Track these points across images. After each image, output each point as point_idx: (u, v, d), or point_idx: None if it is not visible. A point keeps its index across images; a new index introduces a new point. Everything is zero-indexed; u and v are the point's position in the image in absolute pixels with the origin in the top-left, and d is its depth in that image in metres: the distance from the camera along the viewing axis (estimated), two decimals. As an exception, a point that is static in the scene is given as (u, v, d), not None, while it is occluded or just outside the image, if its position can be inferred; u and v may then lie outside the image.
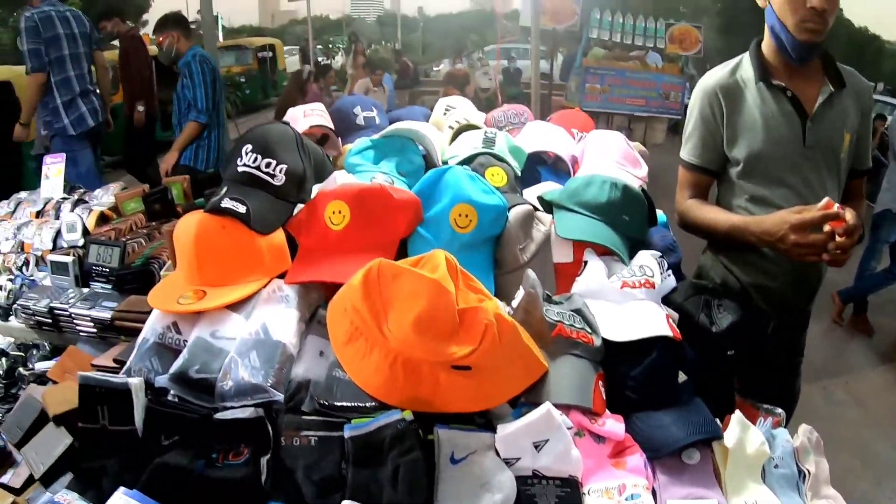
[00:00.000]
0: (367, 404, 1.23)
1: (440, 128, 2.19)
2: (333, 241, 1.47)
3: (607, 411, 1.29)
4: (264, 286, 1.43)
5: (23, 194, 2.45)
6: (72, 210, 2.08)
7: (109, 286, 1.85)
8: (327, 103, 2.31)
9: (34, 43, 3.80)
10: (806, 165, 1.89)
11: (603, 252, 1.57)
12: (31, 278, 1.97)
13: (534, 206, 1.66)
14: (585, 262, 1.55)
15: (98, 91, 4.34)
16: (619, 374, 1.35)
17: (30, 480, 1.38)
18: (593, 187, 1.64)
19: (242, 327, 1.36)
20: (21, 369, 1.78)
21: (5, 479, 1.43)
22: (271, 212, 1.49)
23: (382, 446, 1.16)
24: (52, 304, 1.76)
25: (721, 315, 1.53)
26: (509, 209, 1.59)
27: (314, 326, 1.40)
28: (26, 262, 1.99)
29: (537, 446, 1.18)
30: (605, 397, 1.31)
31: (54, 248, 2.01)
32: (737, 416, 1.31)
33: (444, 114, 2.24)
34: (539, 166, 1.99)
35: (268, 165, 1.51)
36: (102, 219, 2.12)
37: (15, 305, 1.85)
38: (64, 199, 2.24)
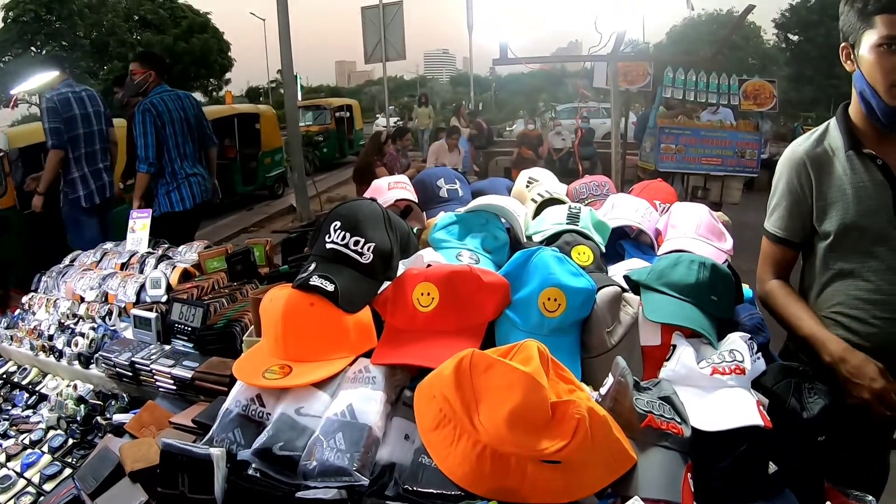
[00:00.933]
0: (453, 492, 1.22)
1: (523, 200, 2.21)
2: (421, 323, 1.49)
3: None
4: (350, 364, 1.46)
5: (108, 245, 2.58)
6: (156, 265, 2.17)
7: (191, 345, 1.92)
8: (404, 164, 2.39)
9: (54, 122, 4.13)
10: None
11: (691, 334, 1.54)
12: (114, 328, 2.06)
13: (621, 287, 1.64)
14: (674, 346, 1.52)
15: (109, 166, 4.63)
16: (707, 464, 1.32)
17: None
18: (681, 267, 1.61)
19: (328, 406, 1.39)
20: (99, 418, 1.86)
21: None
22: (358, 290, 1.53)
23: None
24: (133, 358, 1.83)
25: (812, 399, 1.47)
26: (597, 291, 1.58)
27: (400, 408, 1.40)
28: (109, 313, 2.09)
29: None
30: (693, 489, 1.26)
31: (137, 302, 2.10)
32: None
33: (527, 186, 2.27)
34: (622, 240, 1.98)
35: (356, 244, 1.55)
36: (185, 275, 2.20)
37: (97, 355, 1.96)
38: (149, 253, 2.35)
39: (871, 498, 1.45)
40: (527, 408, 1.15)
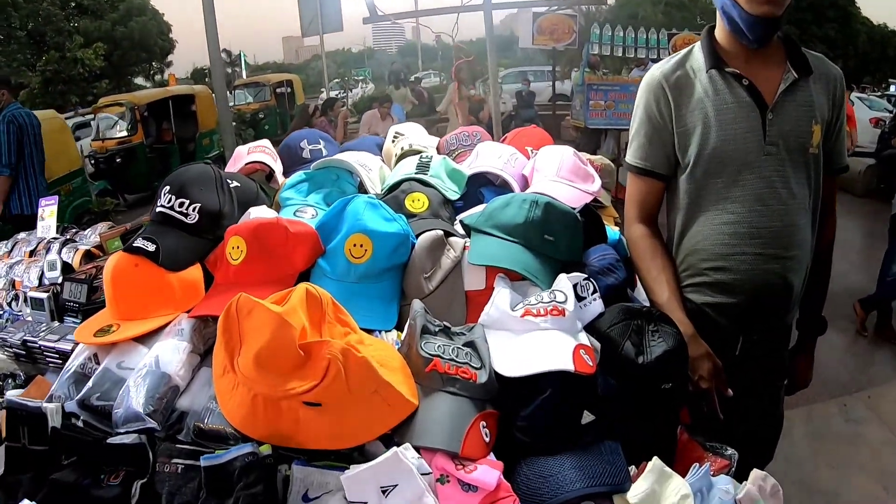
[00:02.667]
0: (229, 431, 1.29)
1: (389, 155, 2.26)
2: (233, 276, 1.54)
3: (491, 456, 1.24)
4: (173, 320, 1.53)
5: (21, 235, 2.66)
6: (60, 249, 2.31)
7: (79, 320, 1.99)
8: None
9: None
10: (768, 164, 1.70)
11: (521, 278, 1.53)
12: (18, 313, 2.28)
13: (449, 232, 1.65)
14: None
15: None
16: (510, 412, 1.31)
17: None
18: (512, 207, 1.60)
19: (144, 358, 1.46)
20: (11, 396, 2.09)
21: None
22: (183, 249, 1.60)
23: (232, 478, 1.19)
24: (25, 337, 2.01)
25: (654, 343, 1.41)
26: (417, 236, 1.60)
27: (209, 359, 1.45)
28: (16, 298, 2.31)
29: (385, 491, 1.16)
30: (488, 440, 1.26)
31: (40, 286, 2.31)
32: (652, 464, 1.21)
33: (393, 141, 2.30)
34: (485, 188, 2.00)
35: (181, 205, 1.62)
36: (89, 256, 2.29)
37: None
38: (55, 238, 2.44)
39: (731, 451, 1.41)
40: (274, 347, 1.18)
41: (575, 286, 1.47)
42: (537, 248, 1.58)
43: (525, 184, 2.01)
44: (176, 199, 1.64)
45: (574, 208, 1.72)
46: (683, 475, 1.24)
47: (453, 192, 1.90)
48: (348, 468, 1.21)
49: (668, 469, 1.22)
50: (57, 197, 2.61)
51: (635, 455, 1.30)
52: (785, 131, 1.70)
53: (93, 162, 10.34)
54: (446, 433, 1.23)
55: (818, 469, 3.17)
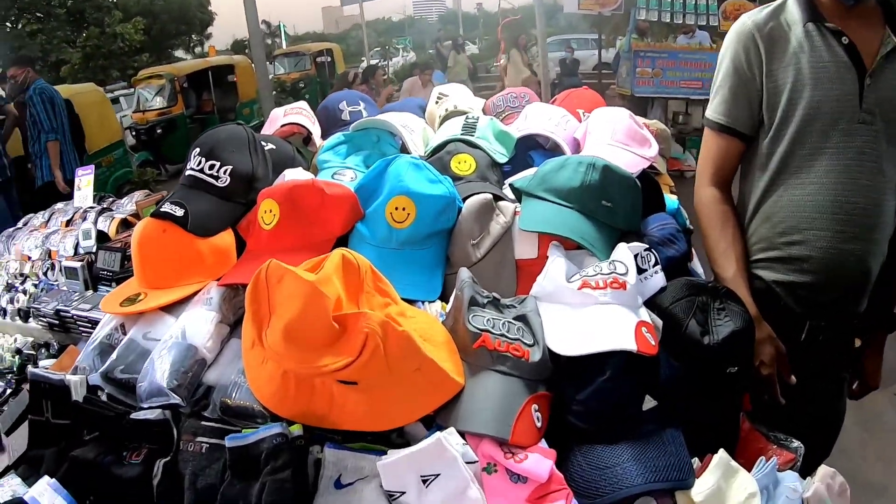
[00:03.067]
0: (257, 409, 1.19)
1: (433, 117, 2.13)
2: (265, 242, 1.44)
3: (542, 443, 1.12)
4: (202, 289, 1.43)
5: (59, 205, 2.63)
6: (95, 219, 2.25)
7: (112, 289, 1.96)
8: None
9: None
10: (860, 134, 1.54)
11: (576, 247, 1.41)
12: (54, 283, 2.24)
13: (499, 196, 1.53)
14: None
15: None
16: (566, 395, 1.19)
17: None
18: (567, 170, 1.46)
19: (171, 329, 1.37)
20: (30, 367, 1.99)
21: None
22: (214, 214, 1.51)
23: (259, 461, 1.10)
24: (58, 307, 1.95)
25: (720, 322, 1.28)
26: (464, 199, 1.47)
27: (239, 331, 1.36)
28: (52, 268, 2.27)
29: (425, 481, 1.05)
30: (540, 425, 1.14)
31: (75, 255, 2.26)
32: (719, 457, 1.09)
33: (437, 102, 2.17)
34: (535, 151, 1.86)
35: (212, 168, 1.52)
36: (125, 225, 2.23)
37: (30, 307, 2.13)
38: (91, 207, 2.41)
39: (797, 444, 1.28)
40: (305, 319, 1.07)
41: (635, 257, 1.34)
42: (594, 215, 1.44)
43: (577, 147, 1.87)
44: (206, 162, 1.54)
45: (632, 174, 1.57)
46: (746, 468, 1.14)
47: (501, 155, 1.76)
48: (386, 453, 1.10)
49: (734, 463, 1.11)
50: (93, 167, 2.56)
51: (696, 445, 1.18)
52: (883, 99, 1.54)
53: (133, 134, 10.51)
54: (495, 417, 1.11)
55: (867, 461, 3.05)
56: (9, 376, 2.04)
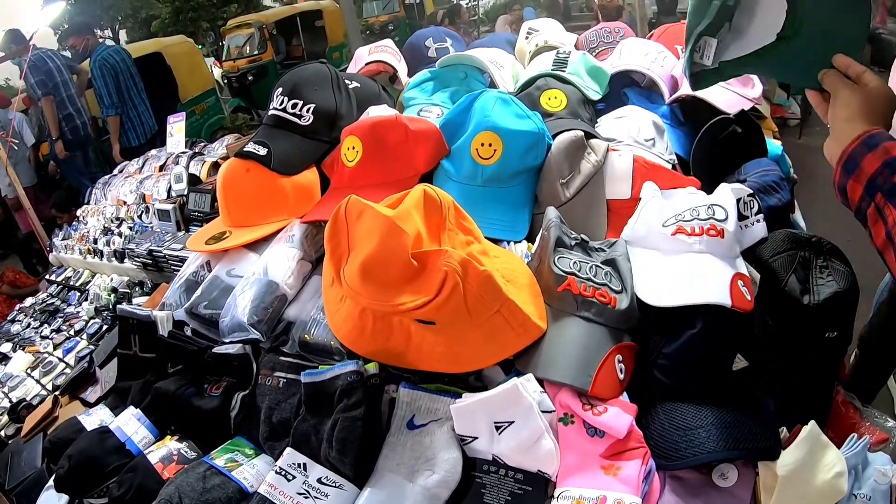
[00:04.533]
0: (335, 345, 1.19)
1: (523, 53, 2.04)
2: (348, 179, 1.42)
3: (624, 396, 1.06)
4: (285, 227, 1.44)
5: (153, 151, 2.77)
6: (187, 163, 2.30)
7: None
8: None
9: (40, 75, 4.87)
10: None
11: (673, 186, 1.32)
12: (148, 225, 2.32)
13: (590, 134, 1.44)
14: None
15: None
16: (652, 347, 1.11)
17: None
18: None
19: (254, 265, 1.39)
20: (125, 304, 2.15)
21: (85, 394, 1.68)
22: (297, 153, 1.51)
23: (333, 397, 1.09)
24: (150, 247, 1.97)
25: (823, 281, 1.16)
26: (554, 136, 1.40)
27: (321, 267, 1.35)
28: (146, 211, 2.36)
29: (498, 427, 1.02)
30: (623, 377, 1.07)
31: (168, 198, 2.34)
32: (808, 430, 0.99)
33: (527, 38, 2.09)
34: (630, 89, 1.77)
35: (294, 106, 1.52)
36: (216, 168, 2.27)
37: (125, 248, 2.23)
38: (183, 153, 2.49)
39: (892, 423, 1.17)
40: (382, 255, 1.04)
41: (737, 201, 1.22)
42: None
43: (675, 86, 1.75)
44: (289, 101, 1.54)
45: (728, 115, 1.45)
46: (837, 441, 1.03)
47: (594, 92, 1.66)
48: (461, 395, 1.07)
49: (824, 438, 1.01)
50: (184, 114, 2.64)
51: (786, 412, 1.08)
52: None
53: (225, 81, 10.82)
54: (576, 366, 1.06)
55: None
56: (105, 313, 2.16)
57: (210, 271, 1.49)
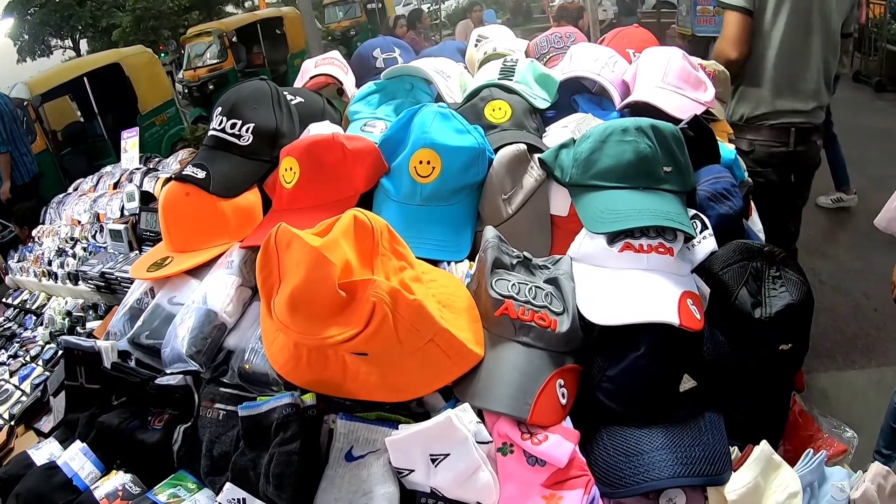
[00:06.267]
0: (273, 376, 1.18)
1: (472, 62, 2.02)
2: (286, 201, 1.40)
3: (567, 422, 1.05)
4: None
5: (107, 168, 2.72)
6: (141, 180, 2.27)
7: None
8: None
9: None
10: None
11: None
12: (102, 245, 2.30)
13: (534, 147, 1.42)
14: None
15: None
16: (595, 371, 1.11)
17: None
18: (610, 146, 1.29)
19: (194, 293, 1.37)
20: (79, 328, 2.04)
21: (40, 424, 1.68)
22: (237, 174, 1.50)
23: (270, 430, 1.08)
24: (103, 269, 1.94)
25: (776, 293, 1.15)
26: (497, 150, 1.38)
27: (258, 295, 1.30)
28: (100, 230, 2.33)
29: (434, 460, 1.01)
30: (565, 402, 1.07)
31: (121, 217, 2.31)
32: (760, 450, 1.00)
33: (476, 45, 2.06)
34: (580, 95, 1.75)
35: (233, 126, 1.50)
36: None
37: (78, 271, 2.21)
38: (137, 169, 2.46)
39: (851, 433, 1.18)
40: (309, 288, 1.02)
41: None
42: (657, 188, 1.28)
43: (626, 91, 1.73)
44: (228, 121, 1.52)
45: (680, 121, 1.44)
46: (792, 455, 1.05)
47: (542, 101, 1.65)
48: (400, 425, 1.07)
49: (777, 457, 1.02)
50: (137, 129, 2.62)
51: (739, 428, 1.09)
52: None
53: (186, 91, 10.79)
54: (514, 394, 1.05)
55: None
56: (59, 338, 2.16)
57: (153, 298, 1.47)
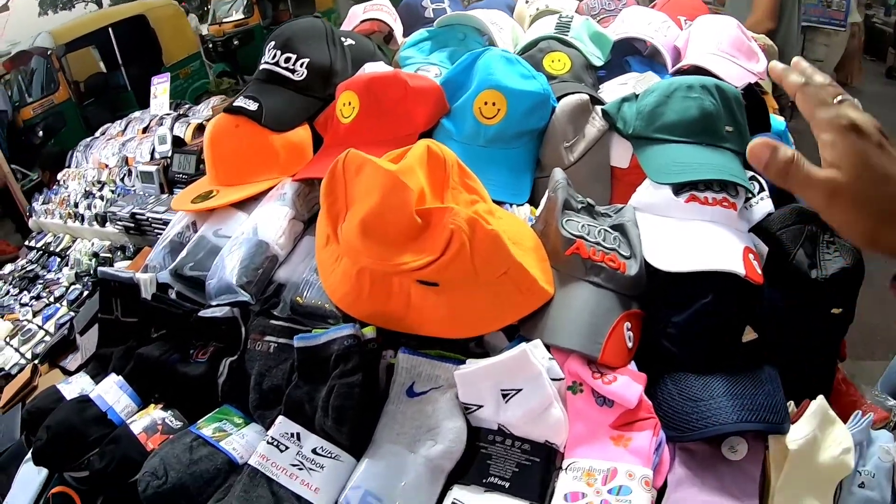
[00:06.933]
0: (329, 308, 1.09)
1: (522, 19, 1.92)
2: (343, 136, 1.31)
3: (632, 365, 0.98)
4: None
5: (136, 114, 2.64)
6: (172, 125, 2.17)
7: None
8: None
9: None
10: None
11: None
12: (130, 189, 2.18)
13: (596, 99, 1.35)
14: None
15: None
16: (660, 316, 1.04)
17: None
18: (675, 101, 1.22)
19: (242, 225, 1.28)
20: (106, 267, 2.02)
21: (65, 362, 1.59)
22: (289, 108, 1.40)
23: (328, 363, 0.99)
24: (133, 210, 1.85)
25: (830, 256, 1.09)
26: (559, 99, 1.30)
27: (314, 228, 1.25)
28: (128, 174, 2.21)
29: (505, 395, 0.94)
30: (631, 345, 1.00)
31: (151, 160, 2.16)
32: (818, 405, 0.94)
33: (527, 2, 1.96)
34: (632, 57, 1.67)
35: (287, 60, 1.40)
36: (201, 130, 2.15)
37: (107, 212, 2.10)
38: (167, 114, 2.36)
39: (893, 402, 1.12)
40: (384, 212, 0.94)
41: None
42: (719, 145, 1.21)
43: (678, 56, 1.65)
44: (282, 55, 1.41)
45: (736, 87, 1.34)
46: (839, 417, 0.98)
47: (596, 59, 1.57)
48: (464, 362, 0.98)
49: (832, 413, 0.96)
50: (168, 75, 2.49)
51: (790, 387, 1.02)
52: None
53: (210, 46, 10.48)
54: (585, 332, 0.97)
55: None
56: (85, 279, 2.04)
57: (196, 232, 1.37)
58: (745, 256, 1.01)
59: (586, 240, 1.05)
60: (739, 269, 0.97)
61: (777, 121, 1.47)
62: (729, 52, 1.54)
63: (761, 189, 1.20)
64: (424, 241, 0.95)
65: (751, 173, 1.19)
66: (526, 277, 0.99)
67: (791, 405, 0.99)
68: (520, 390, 0.93)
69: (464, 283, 0.97)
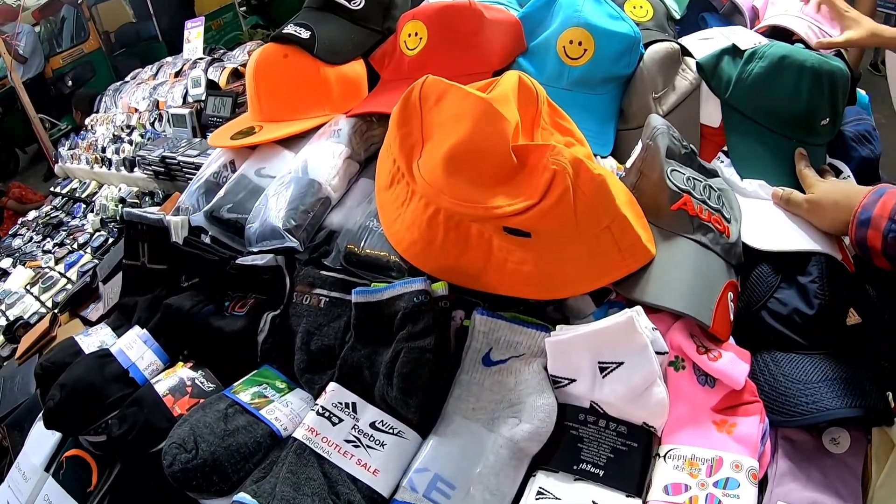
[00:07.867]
0: (391, 259, 0.88)
1: None
2: (407, 69, 1.11)
3: (731, 340, 0.81)
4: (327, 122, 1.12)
5: (167, 59, 2.42)
6: (206, 68, 1.97)
7: None
8: None
9: None
10: None
11: None
12: (161, 133, 1.95)
13: (685, 50, 1.14)
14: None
15: None
16: (761, 291, 0.86)
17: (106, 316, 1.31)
18: (784, 81, 1.00)
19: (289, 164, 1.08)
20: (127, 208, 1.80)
21: (86, 312, 1.39)
22: (345, 40, 1.19)
23: (392, 322, 0.80)
24: (164, 154, 1.64)
25: None
26: (646, 45, 1.10)
27: (371, 169, 1.04)
28: (159, 118, 1.99)
29: (603, 369, 0.75)
30: (733, 318, 0.82)
31: (184, 104, 1.97)
32: None
33: None
34: (708, 14, 1.45)
35: None
36: (236, 76, 1.97)
37: (136, 156, 1.87)
38: (201, 59, 2.13)
39: None
40: (476, 144, 0.74)
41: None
42: (807, 141, 1.03)
43: (755, 17, 1.43)
44: (339, -20, 1.19)
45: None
46: None
47: (675, 11, 1.35)
48: (547, 328, 0.79)
49: None
50: (203, 19, 2.26)
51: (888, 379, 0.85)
52: None
53: None
54: (695, 295, 0.78)
55: None
56: (111, 225, 1.83)
57: (234, 171, 1.16)
58: (839, 241, 0.89)
59: (693, 195, 0.86)
60: (836, 253, 0.86)
61: (861, 93, 1.27)
62: (813, 16, 1.32)
63: (838, 173, 1.05)
64: (521, 184, 0.75)
65: (830, 160, 1.06)
66: (629, 233, 0.80)
67: (890, 396, 0.82)
68: (621, 363, 0.75)
69: (560, 236, 0.77)
